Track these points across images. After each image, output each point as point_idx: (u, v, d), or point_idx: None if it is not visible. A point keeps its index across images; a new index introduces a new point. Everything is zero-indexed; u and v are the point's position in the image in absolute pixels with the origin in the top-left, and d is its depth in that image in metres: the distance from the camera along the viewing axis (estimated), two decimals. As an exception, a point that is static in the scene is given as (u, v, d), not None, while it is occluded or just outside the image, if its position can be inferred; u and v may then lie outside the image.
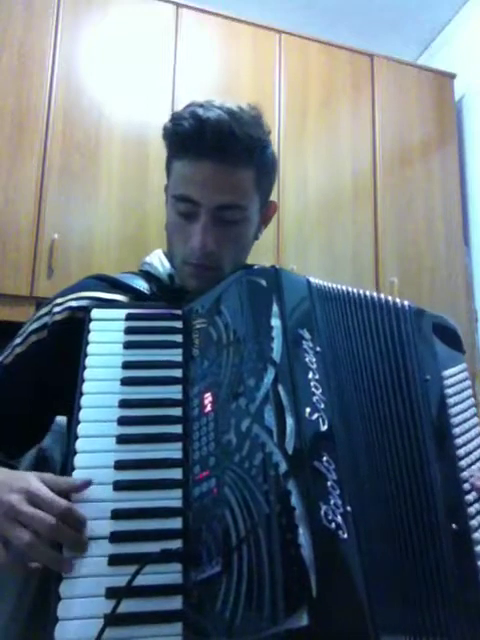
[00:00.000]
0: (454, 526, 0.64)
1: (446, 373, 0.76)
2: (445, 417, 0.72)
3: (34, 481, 0.62)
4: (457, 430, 0.72)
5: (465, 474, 0.69)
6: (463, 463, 0.70)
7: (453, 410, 0.74)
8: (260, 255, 2.27)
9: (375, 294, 0.77)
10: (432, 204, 2.67)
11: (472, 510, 0.67)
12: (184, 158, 0.82)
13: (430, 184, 2.69)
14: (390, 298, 0.77)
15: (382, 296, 0.77)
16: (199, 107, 0.81)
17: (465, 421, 0.75)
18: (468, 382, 0.79)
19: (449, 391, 0.75)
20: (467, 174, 2.79)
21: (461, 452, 0.71)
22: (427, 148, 2.72)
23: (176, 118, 0.83)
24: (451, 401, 0.74)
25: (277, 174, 0.94)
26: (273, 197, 0.94)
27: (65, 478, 0.65)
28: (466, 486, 0.68)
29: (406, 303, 0.78)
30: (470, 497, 0.68)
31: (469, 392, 0.78)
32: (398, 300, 0.77)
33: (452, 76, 2.83)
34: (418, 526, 0.63)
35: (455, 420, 0.73)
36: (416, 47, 3.11)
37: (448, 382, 0.76)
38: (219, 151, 0.80)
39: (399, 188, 2.62)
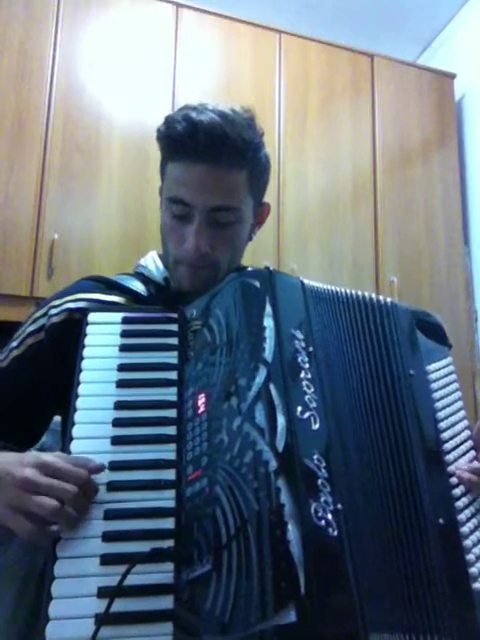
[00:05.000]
0: (440, 521, 0.64)
1: (430, 367, 0.77)
2: (431, 412, 0.73)
3: (45, 454, 0.63)
4: (443, 424, 0.73)
5: (451, 468, 0.70)
6: (450, 457, 0.71)
7: (439, 404, 0.74)
8: (260, 255, 2.28)
9: (360, 292, 0.78)
10: (432, 204, 2.67)
11: (460, 504, 0.67)
12: (177, 161, 0.83)
13: (430, 184, 2.69)
14: (373, 296, 0.78)
15: (365, 294, 0.78)
16: (192, 110, 0.82)
17: (451, 414, 0.75)
18: (454, 375, 0.80)
19: (434, 385, 0.76)
20: (467, 174, 2.79)
21: (448, 446, 0.71)
22: (427, 148, 2.72)
23: (169, 121, 0.83)
24: (437, 395, 0.75)
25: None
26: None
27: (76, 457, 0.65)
28: (453, 480, 0.69)
29: (388, 300, 0.78)
30: (457, 491, 0.68)
31: (455, 385, 0.79)
32: (380, 297, 0.78)
33: (452, 76, 2.83)
34: (406, 523, 0.63)
35: (441, 414, 0.74)
36: (416, 47, 3.11)
37: (433, 376, 0.77)
38: (212, 154, 0.80)
39: (399, 188, 2.62)
